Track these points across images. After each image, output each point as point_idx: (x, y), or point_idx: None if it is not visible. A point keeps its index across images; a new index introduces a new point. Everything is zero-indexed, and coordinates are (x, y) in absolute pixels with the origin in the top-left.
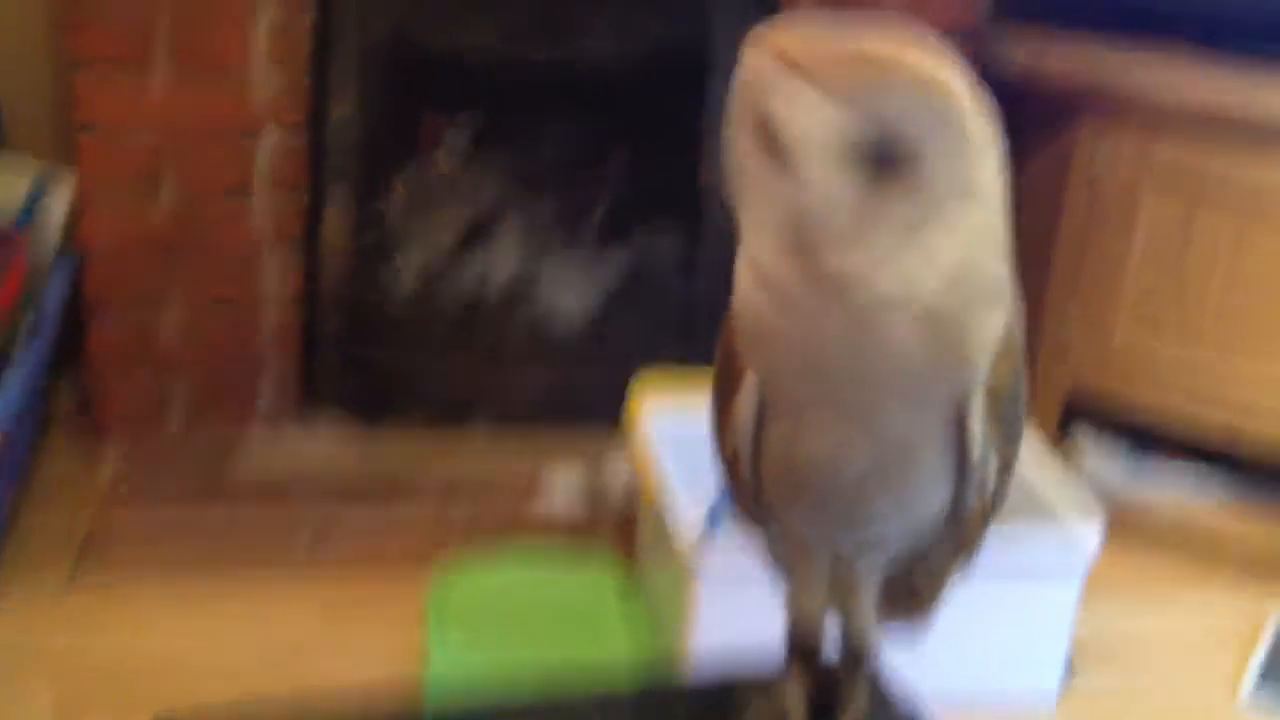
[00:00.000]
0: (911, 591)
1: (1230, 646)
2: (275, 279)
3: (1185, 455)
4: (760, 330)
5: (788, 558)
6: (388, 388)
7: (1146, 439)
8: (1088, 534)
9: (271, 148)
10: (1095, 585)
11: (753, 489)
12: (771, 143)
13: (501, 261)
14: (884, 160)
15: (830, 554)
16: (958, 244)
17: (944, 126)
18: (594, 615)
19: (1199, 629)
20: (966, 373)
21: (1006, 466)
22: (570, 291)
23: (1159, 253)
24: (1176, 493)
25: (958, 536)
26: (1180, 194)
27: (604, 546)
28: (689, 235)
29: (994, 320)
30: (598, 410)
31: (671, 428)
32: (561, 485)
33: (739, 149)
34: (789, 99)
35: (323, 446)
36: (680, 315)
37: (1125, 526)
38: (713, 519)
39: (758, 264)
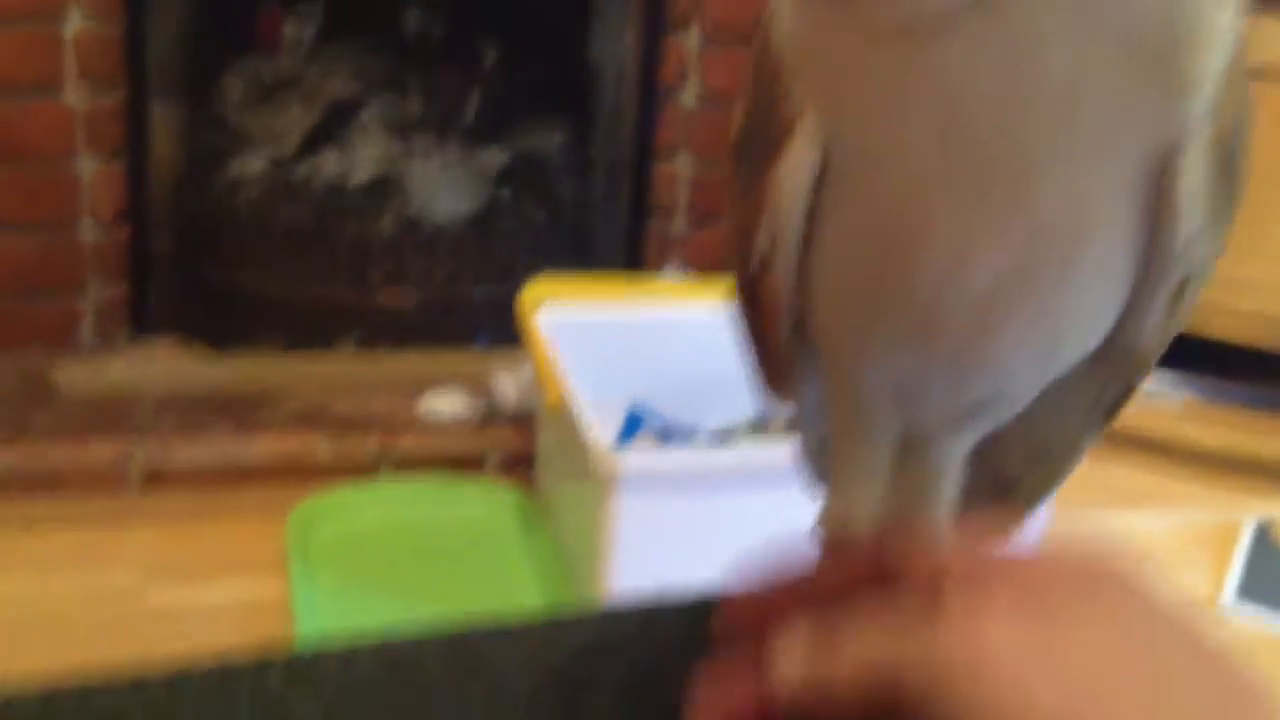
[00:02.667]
0: (1002, 482)
1: (1205, 552)
2: (93, 192)
3: None
4: (841, 54)
5: (834, 434)
6: (234, 311)
7: None
8: None
9: (78, 35)
10: (1063, 491)
11: (794, 312)
12: None
13: (360, 163)
14: None
15: (900, 427)
16: None
17: None
18: (490, 549)
19: (1172, 535)
20: (1181, 104)
21: (1215, 254)
22: (444, 194)
23: None
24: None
25: (1115, 380)
26: None
27: (495, 477)
28: (578, 126)
29: (1224, 17)
30: (479, 326)
31: (573, 337)
32: (441, 410)
33: None
34: None
35: (158, 371)
36: (571, 218)
37: None
38: (630, 429)
39: None
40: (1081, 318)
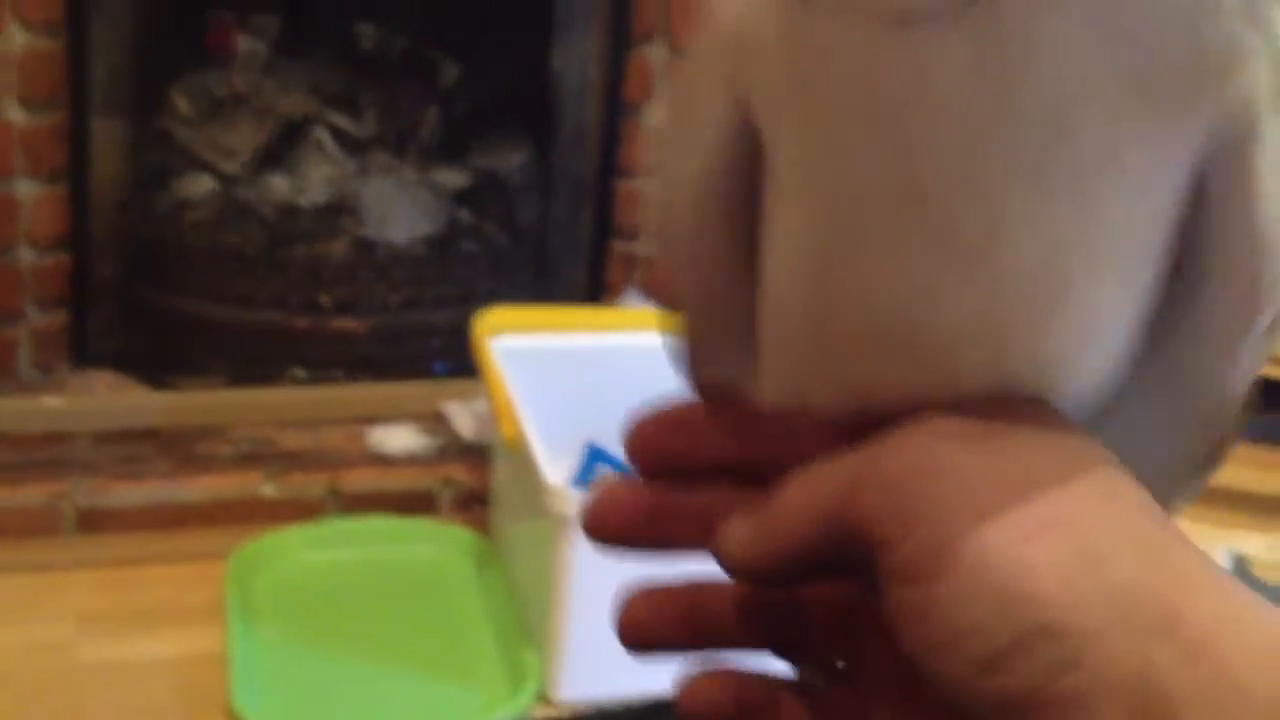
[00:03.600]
0: None
1: None
2: (32, 216)
3: None
4: (794, 31)
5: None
6: (178, 340)
7: None
8: None
9: (18, 51)
10: None
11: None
12: None
13: (313, 183)
14: None
15: None
16: None
17: None
18: (443, 594)
19: None
20: (1228, 99)
21: None
22: (400, 215)
23: None
24: None
25: (1199, 433)
26: None
27: (447, 516)
28: (539, 145)
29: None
30: (436, 354)
31: (530, 368)
32: (392, 445)
33: None
34: None
35: (96, 405)
36: (533, 239)
37: None
38: (588, 466)
39: None
40: (1071, 372)
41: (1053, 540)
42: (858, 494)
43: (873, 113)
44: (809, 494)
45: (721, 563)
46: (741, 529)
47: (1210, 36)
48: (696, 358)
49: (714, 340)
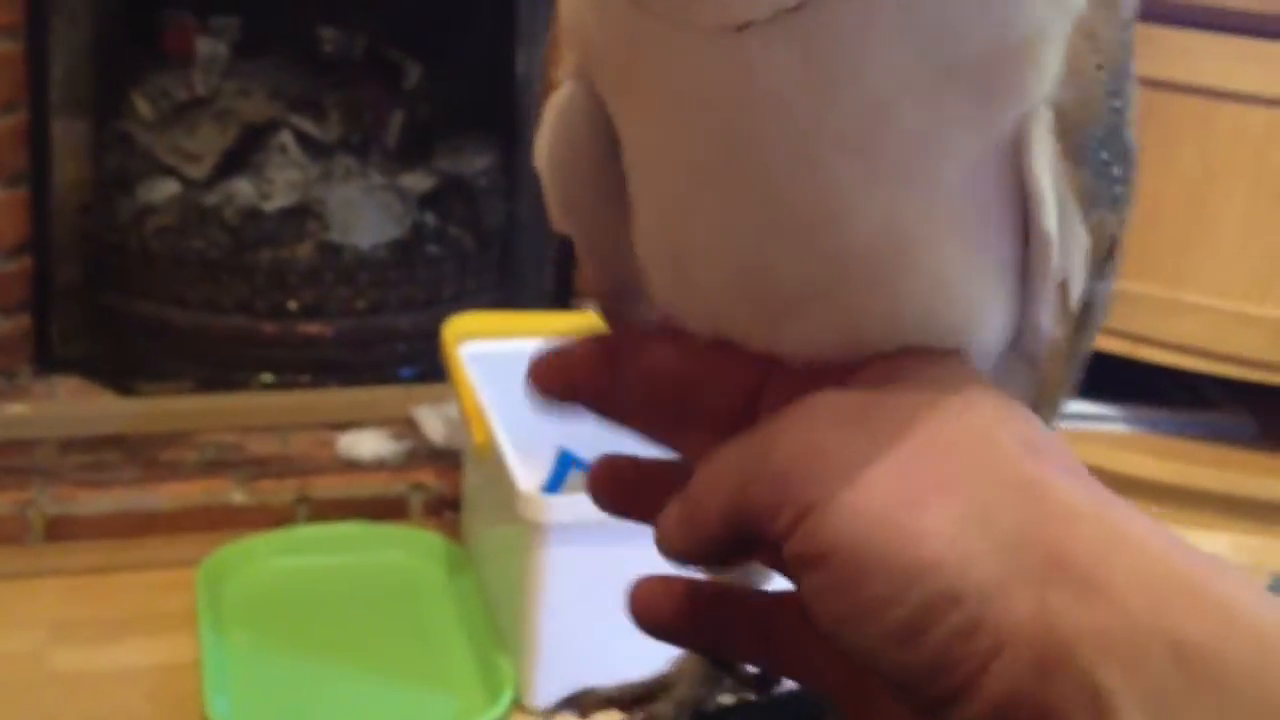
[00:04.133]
0: None
1: None
2: None
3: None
4: (631, 30)
5: None
6: (143, 345)
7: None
8: None
9: None
10: None
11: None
12: None
13: (277, 187)
14: None
15: None
16: None
17: None
18: (415, 599)
19: None
20: (1019, 78)
21: (1111, 249)
22: (365, 219)
23: None
24: (1073, 426)
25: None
26: None
27: (419, 521)
28: (505, 146)
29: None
30: (403, 358)
31: (500, 373)
32: (362, 451)
33: None
34: None
35: (61, 411)
36: (499, 242)
37: None
38: (560, 472)
39: None
40: (931, 322)
41: (938, 504)
42: (749, 491)
43: (703, 108)
44: (712, 488)
45: (660, 551)
46: (670, 519)
47: (1016, 27)
48: (600, 293)
49: (608, 272)
